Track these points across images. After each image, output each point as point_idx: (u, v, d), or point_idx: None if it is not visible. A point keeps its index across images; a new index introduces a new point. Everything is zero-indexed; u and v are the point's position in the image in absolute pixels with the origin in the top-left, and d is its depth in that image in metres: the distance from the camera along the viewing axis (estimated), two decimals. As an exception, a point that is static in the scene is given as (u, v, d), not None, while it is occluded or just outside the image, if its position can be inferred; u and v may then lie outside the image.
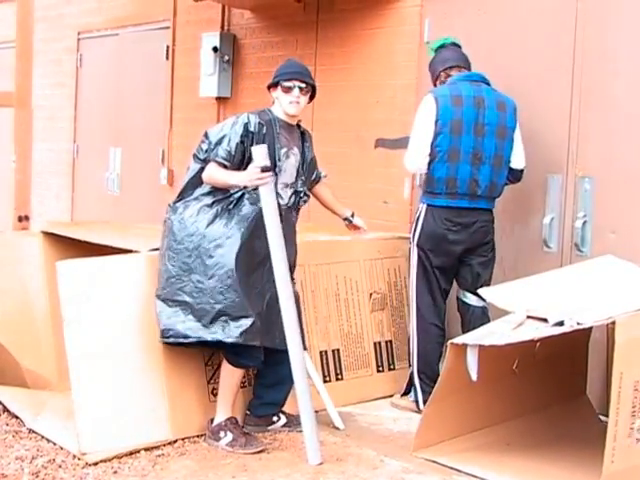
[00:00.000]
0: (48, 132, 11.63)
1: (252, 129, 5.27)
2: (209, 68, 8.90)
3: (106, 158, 10.63)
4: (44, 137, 11.51)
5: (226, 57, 8.86)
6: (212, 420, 5.35)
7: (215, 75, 8.88)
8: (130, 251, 5.56)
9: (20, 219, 8.06)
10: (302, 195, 5.52)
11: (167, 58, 9.76)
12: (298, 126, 5.57)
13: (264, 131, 5.30)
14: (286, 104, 5.39)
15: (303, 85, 5.41)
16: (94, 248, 5.79)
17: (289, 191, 5.43)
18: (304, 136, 5.59)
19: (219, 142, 5.28)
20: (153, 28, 10.01)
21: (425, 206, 5.97)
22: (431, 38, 7.04)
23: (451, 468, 4.98)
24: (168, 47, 9.75)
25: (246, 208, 5.25)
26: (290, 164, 5.43)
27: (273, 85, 5.45)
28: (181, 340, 5.20)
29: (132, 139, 10.30)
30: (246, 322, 5.12)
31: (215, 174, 5.24)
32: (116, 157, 10.52)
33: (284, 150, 5.38)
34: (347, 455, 5.19)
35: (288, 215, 5.40)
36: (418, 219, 5.99)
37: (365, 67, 7.65)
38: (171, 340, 5.22)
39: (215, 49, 8.81)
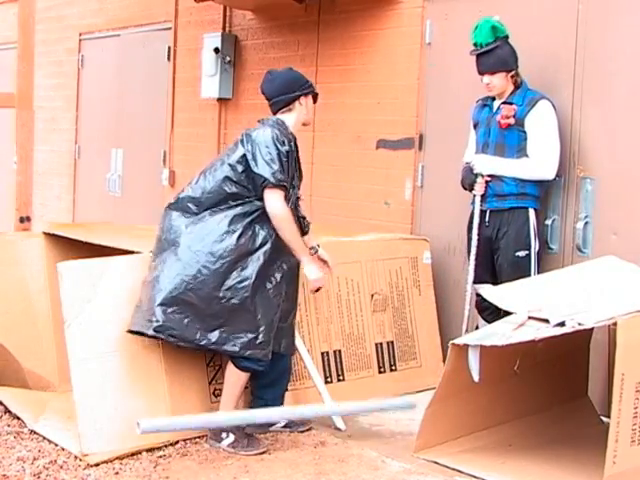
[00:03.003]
0: (50, 133, 11.64)
1: (288, 148, 5.28)
2: (210, 69, 8.90)
3: (108, 159, 10.63)
4: (46, 138, 11.53)
5: (227, 58, 8.86)
6: (214, 421, 5.35)
7: (216, 76, 8.87)
8: (131, 252, 5.55)
9: (22, 220, 8.05)
10: (300, 203, 5.62)
11: (168, 59, 9.77)
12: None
13: (293, 148, 5.35)
14: (311, 113, 5.56)
15: None
16: (95, 249, 5.79)
17: (294, 198, 5.46)
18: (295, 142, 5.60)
19: (271, 166, 5.20)
20: (154, 29, 10.01)
21: (533, 211, 5.94)
22: (432, 40, 7.05)
23: (453, 469, 4.97)
24: (169, 48, 9.76)
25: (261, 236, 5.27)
26: (297, 174, 5.47)
27: (306, 95, 5.50)
28: (177, 342, 5.21)
29: (134, 140, 10.31)
30: (249, 336, 5.20)
31: (293, 226, 5.25)
32: (118, 158, 10.52)
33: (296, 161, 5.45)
34: (349, 456, 5.18)
35: (299, 224, 5.48)
36: (531, 226, 5.92)
37: (366, 68, 7.65)
38: (171, 339, 5.18)
39: (216, 50, 8.81)
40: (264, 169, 5.17)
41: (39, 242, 6.31)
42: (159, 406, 5.29)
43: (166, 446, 5.22)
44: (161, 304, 5.13)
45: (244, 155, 5.25)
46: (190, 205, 5.32)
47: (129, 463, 5.00)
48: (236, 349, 5.18)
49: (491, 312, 5.94)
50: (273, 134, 5.26)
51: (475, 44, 6.00)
